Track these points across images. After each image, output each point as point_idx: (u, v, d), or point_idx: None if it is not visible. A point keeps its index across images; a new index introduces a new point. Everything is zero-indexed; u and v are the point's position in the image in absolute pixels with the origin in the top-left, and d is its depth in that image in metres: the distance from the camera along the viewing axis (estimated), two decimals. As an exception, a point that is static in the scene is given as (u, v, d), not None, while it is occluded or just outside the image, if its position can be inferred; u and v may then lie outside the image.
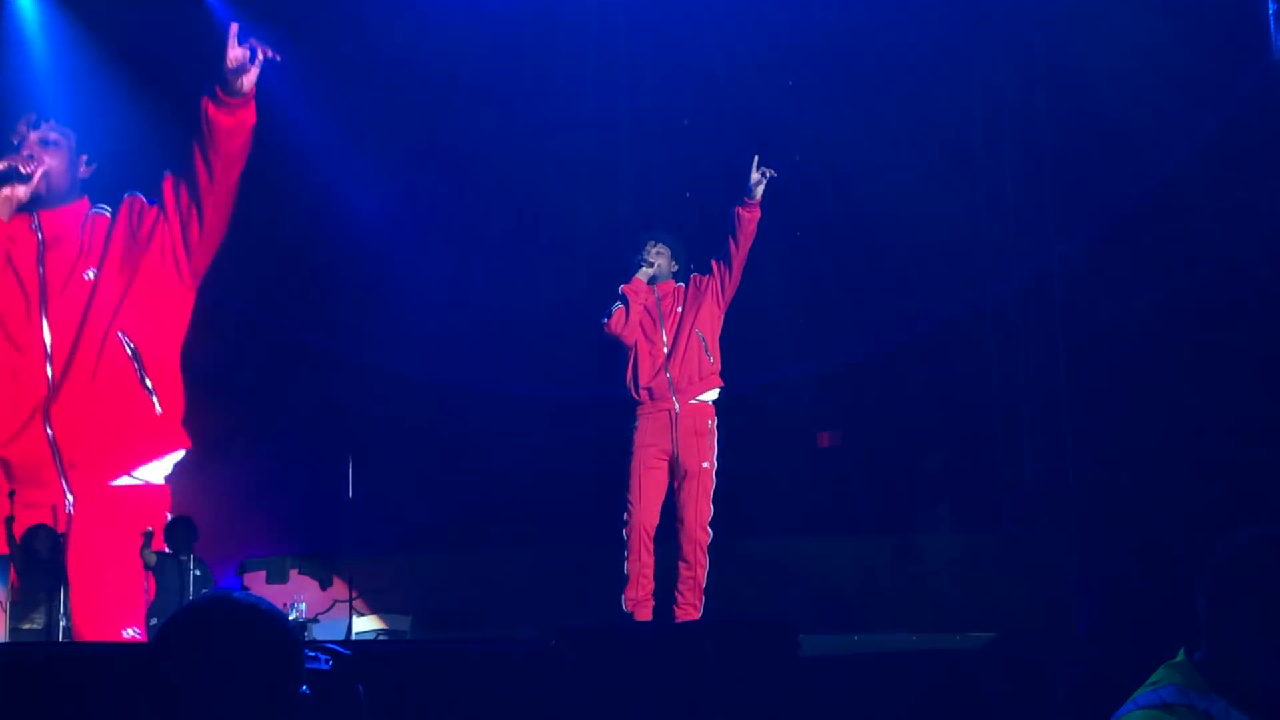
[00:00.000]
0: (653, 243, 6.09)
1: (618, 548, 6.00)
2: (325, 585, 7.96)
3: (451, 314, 8.34)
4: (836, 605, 7.28)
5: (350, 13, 8.03)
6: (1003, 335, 8.18)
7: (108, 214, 5.97)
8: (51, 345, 5.87)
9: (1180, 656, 1.97)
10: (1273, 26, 6.99)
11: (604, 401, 6.62)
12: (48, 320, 5.87)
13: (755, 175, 5.81)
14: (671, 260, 6.10)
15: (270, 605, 1.54)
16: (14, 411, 5.99)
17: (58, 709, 3.68)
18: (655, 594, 5.94)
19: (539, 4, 7.95)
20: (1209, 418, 7.36)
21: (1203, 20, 7.22)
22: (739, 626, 4.56)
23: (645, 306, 6.01)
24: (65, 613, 6.08)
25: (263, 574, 7.98)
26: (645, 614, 5.82)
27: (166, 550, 6.43)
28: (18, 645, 5.86)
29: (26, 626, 6.23)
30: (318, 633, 7.21)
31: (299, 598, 7.52)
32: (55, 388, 5.86)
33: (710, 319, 5.98)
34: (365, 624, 7.60)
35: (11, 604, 6.25)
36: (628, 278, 6.02)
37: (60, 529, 5.94)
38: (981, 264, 8.30)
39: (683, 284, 6.15)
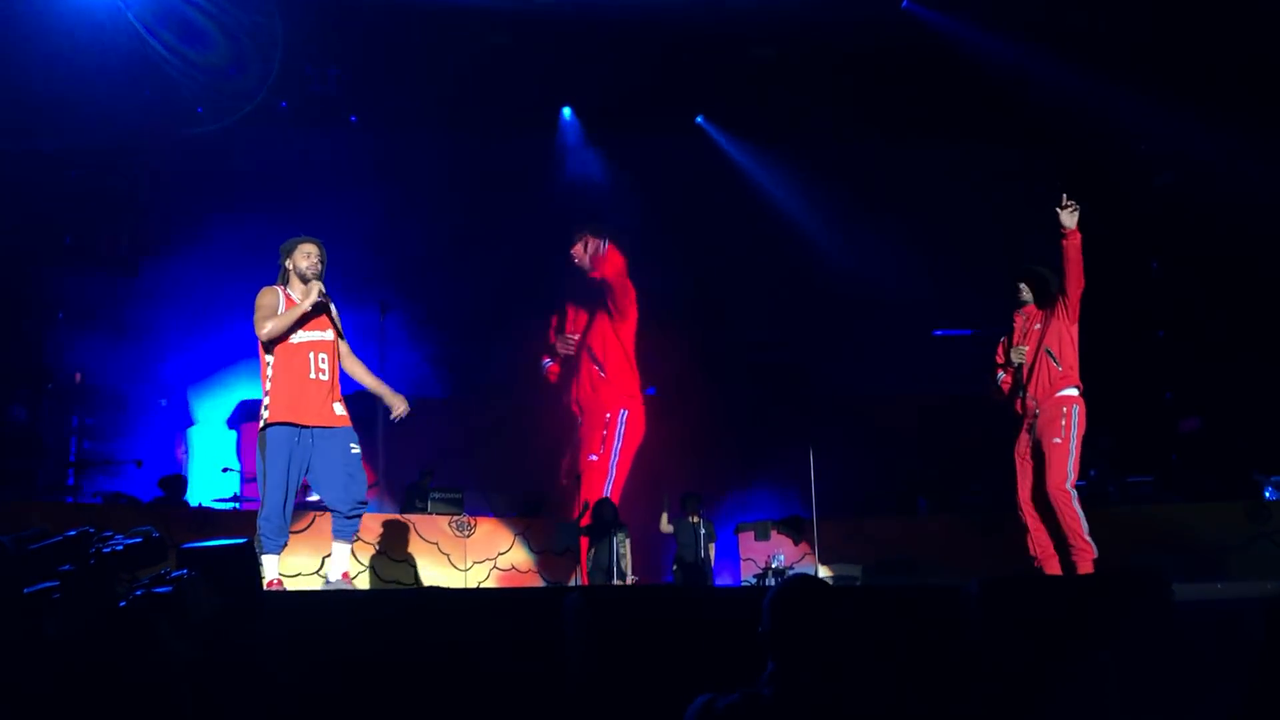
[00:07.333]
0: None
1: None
2: (796, 542, 9.55)
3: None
4: (1197, 558, 8.17)
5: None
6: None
7: None
8: None
9: None
10: None
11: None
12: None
13: (1063, 213, 6.50)
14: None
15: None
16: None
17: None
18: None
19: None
20: None
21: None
22: (1121, 576, 5.18)
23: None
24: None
25: (751, 534, 9.80)
26: (1052, 568, 6.64)
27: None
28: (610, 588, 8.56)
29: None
30: (793, 578, 9.27)
31: (778, 551, 9.31)
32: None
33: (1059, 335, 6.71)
34: (824, 572, 8.98)
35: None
36: None
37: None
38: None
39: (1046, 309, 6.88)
